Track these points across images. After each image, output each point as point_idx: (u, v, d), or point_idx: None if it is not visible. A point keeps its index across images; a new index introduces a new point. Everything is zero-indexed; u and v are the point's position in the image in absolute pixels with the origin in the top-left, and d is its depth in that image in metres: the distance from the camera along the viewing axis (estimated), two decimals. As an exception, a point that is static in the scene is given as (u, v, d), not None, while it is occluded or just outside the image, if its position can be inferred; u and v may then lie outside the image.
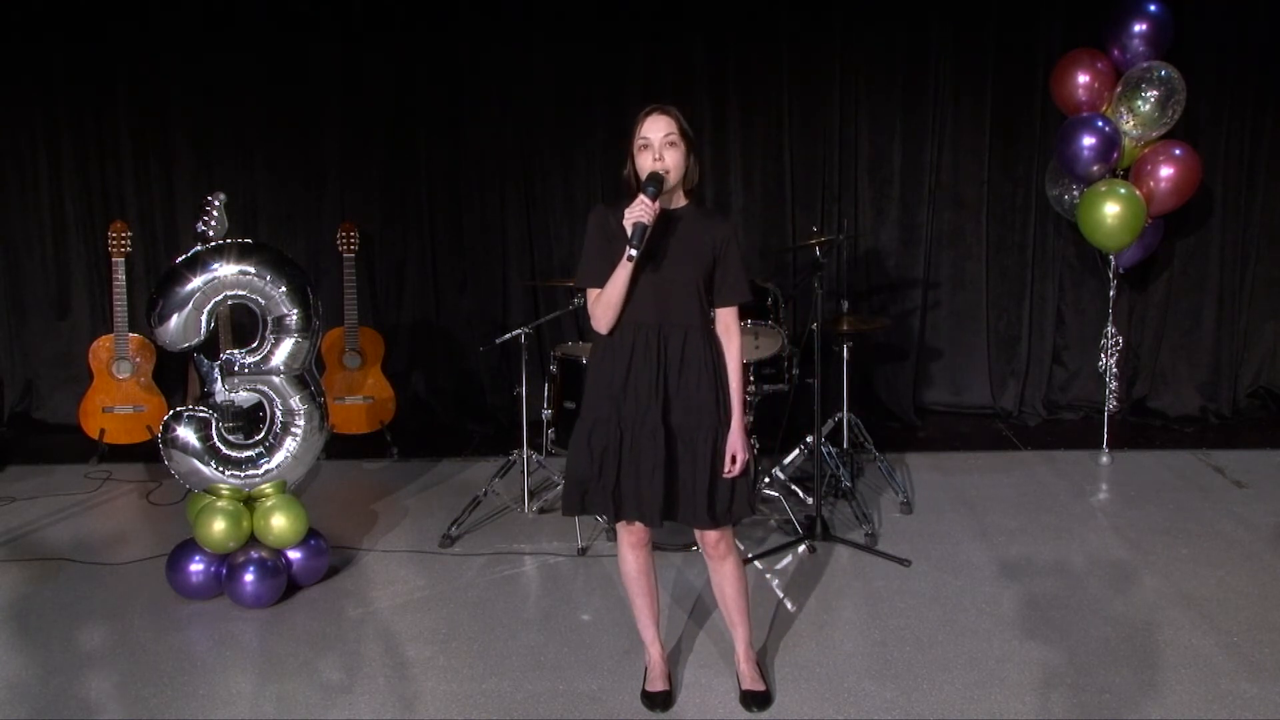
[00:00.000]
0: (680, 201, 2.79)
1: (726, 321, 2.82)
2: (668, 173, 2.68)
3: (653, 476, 2.71)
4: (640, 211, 2.61)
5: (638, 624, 3.01)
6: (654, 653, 3.00)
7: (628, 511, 2.78)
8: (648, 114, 2.71)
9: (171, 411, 3.62)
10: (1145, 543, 4.08)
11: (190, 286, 3.48)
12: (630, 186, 2.74)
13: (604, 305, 2.73)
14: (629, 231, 2.61)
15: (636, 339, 2.73)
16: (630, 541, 2.89)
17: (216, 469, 3.59)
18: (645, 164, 2.69)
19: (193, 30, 5.68)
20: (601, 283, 2.72)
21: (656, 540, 3.06)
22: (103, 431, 5.32)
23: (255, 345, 3.61)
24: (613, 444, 2.74)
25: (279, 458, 3.64)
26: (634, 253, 2.61)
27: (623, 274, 2.67)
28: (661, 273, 2.72)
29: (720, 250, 2.77)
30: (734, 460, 2.76)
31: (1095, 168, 5.03)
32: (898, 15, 5.72)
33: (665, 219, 2.72)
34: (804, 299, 5.38)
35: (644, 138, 2.69)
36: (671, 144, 2.68)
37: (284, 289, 3.56)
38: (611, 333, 2.75)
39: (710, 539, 2.84)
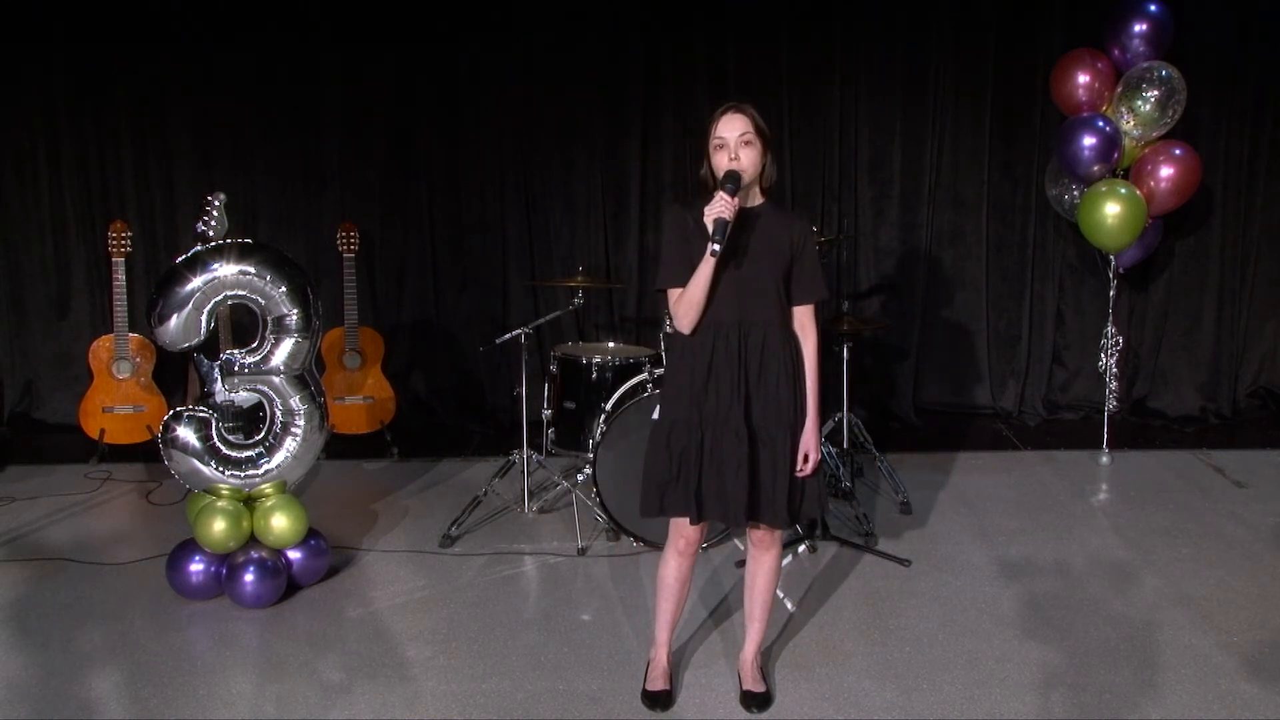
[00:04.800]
0: (757, 199, 2.79)
1: (803, 320, 2.81)
2: (744, 172, 2.68)
3: (737, 476, 2.71)
4: (721, 207, 2.60)
5: (655, 624, 3.00)
6: (660, 654, 3.00)
7: (710, 511, 2.77)
8: (723, 113, 2.72)
9: (171, 411, 3.62)
10: (1145, 543, 4.08)
11: (190, 286, 3.48)
12: (708, 185, 2.74)
13: (687, 304, 2.72)
14: (710, 228, 2.61)
15: (717, 338, 2.73)
16: (679, 547, 2.87)
17: (216, 469, 3.59)
18: (721, 163, 2.69)
19: (193, 31, 5.67)
20: (683, 283, 2.72)
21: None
22: (103, 431, 5.32)
23: (255, 345, 3.61)
24: (693, 444, 2.73)
25: (279, 458, 3.64)
26: (716, 248, 2.60)
27: (705, 271, 2.66)
28: (741, 270, 2.72)
29: (798, 248, 2.77)
30: (806, 459, 2.76)
31: (1096, 168, 5.03)
32: (898, 15, 5.72)
33: (743, 217, 2.72)
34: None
35: (719, 137, 2.70)
36: (747, 143, 2.68)
37: (284, 289, 3.55)
38: (693, 332, 2.74)
39: (761, 530, 2.86)
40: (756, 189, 2.77)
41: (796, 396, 2.77)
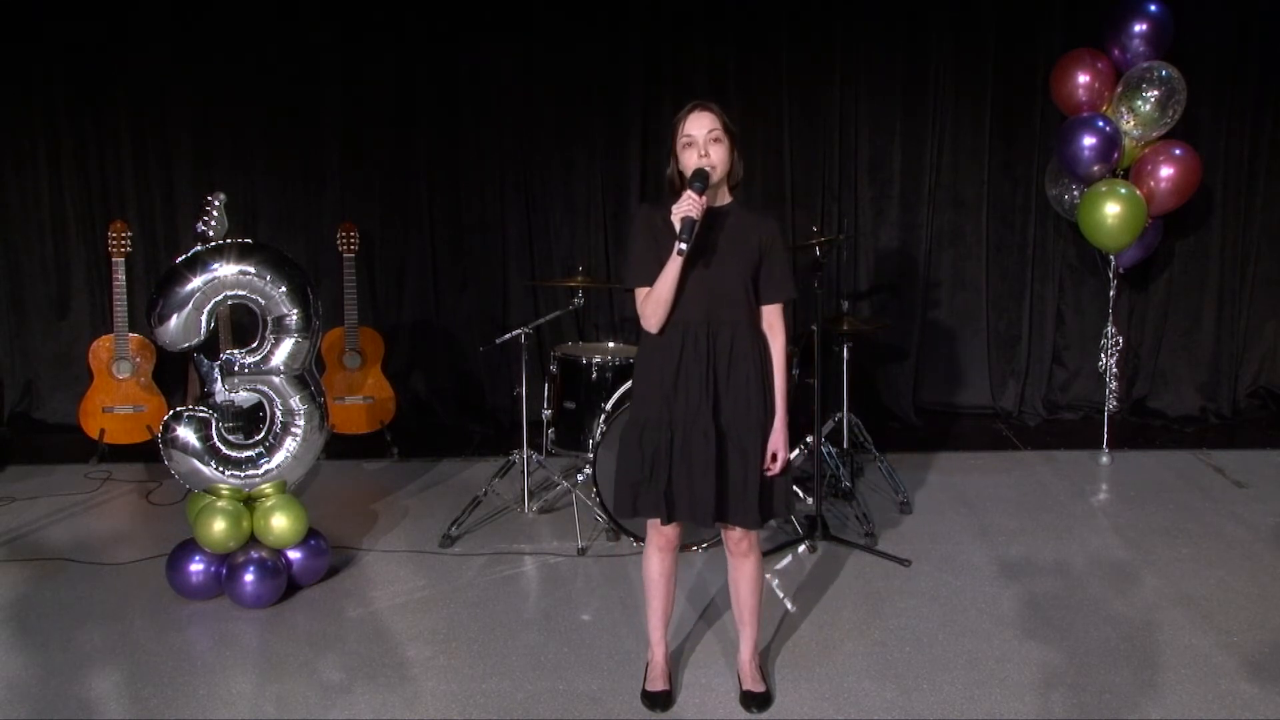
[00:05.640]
0: (725, 199, 2.79)
1: (771, 319, 2.81)
2: (713, 169, 2.67)
3: (705, 476, 2.71)
4: (688, 206, 2.60)
5: (648, 623, 3.00)
6: (658, 653, 3.00)
7: (680, 512, 2.76)
8: (690, 111, 2.71)
9: (171, 411, 3.62)
10: (1145, 543, 4.08)
11: (190, 286, 3.48)
12: (674, 185, 2.74)
13: (654, 303, 2.71)
14: (677, 227, 2.61)
15: (685, 337, 2.72)
16: (659, 544, 2.87)
17: (216, 469, 3.59)
18: (690, 161, 2.68)
19: (193, 30, 5.68)
20: (651, 281, 2.71)
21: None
22: (103, 431, 5.32)
23: (255, 345, 3.61)
24: (664, 445, 2.73)
25: (279, 458, 3.64)
26: (684, 247, 2.60)
27: (673, 270, 2.66)
28: (710, 270, 2.71)
29: (767, 247, 2.76)
30: (774, 458, 2.76)
31: (1096, 168, 5.03)
32: (898, 15, 5.72)
33: (712, 216, 2.72)
34: (804, 299, 5.38)
35: (688, 135, 2.69)
36: (715, 140, 2.68)
37: (284, 289, 3.56)
38: (661, 331, 2.74)
39: (735, 535, 2.85)
40: (725, 188, 2.77)
41: (766, 396, 2.76)
